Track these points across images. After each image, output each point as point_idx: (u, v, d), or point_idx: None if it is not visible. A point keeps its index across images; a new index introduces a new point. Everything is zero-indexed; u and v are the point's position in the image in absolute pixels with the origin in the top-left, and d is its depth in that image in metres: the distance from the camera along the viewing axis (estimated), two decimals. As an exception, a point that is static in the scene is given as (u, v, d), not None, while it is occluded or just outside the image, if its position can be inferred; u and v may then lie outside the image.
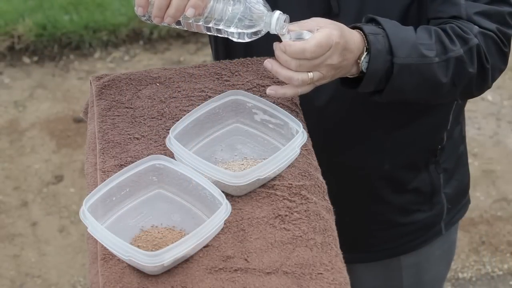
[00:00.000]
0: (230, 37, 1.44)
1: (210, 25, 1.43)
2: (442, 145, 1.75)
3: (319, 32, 1.38)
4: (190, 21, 1.44)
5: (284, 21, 1.41)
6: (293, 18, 1.44)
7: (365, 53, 1.44)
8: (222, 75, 1.59)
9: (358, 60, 1.45)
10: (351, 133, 1.67)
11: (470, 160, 3.41)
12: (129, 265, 1.28)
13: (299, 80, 1.39)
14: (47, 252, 3.15)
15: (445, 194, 1.81)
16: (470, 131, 3.56)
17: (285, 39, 1.40)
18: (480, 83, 1.54)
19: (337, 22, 1.43)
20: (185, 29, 1.47)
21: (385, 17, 1.49)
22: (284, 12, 1.42)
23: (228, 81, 1.58)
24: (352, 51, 1.42)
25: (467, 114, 3.62)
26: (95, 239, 1.29)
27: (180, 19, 1.43)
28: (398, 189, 1.76)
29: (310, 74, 1.39)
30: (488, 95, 3.74)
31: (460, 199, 1.87)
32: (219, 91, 1.54)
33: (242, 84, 1.57)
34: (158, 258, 1.24)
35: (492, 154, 3.47)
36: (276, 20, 1.40)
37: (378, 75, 1.45)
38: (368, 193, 1.75)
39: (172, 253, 1.25)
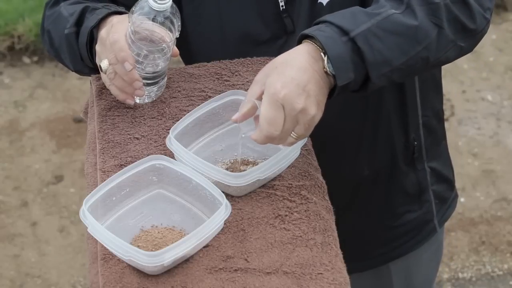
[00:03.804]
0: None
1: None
2: (420, 142, 1.73)
3: (262, 107, 1.31)
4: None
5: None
6: (250, 37, 1.45)
7: (325, 57, 1.34)
8: (222, 75, 1.59)
9: (324, 69, 1.34)
10: (322, 141, 1.57)
11: (470, 160, 3.43)
12: (129, 265, 1.28)
13: (289, 145, 1.37)
14: (47, 252, 3.15)
15: (432, 191, 1.80)
16: (470, 131, 3.56)
17: (248, 134, 1.37)
18: (464, 11, 1.41)
19: (276, 59, 1.35)
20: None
21: None
22: (243, 34, 1.49)
23: (228, 81, 1.58)
24: (307, 74, 1.31)
25: (467, 114, 3.63)
26: (95, 239, 1.29)
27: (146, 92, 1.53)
28: (386, 193, 1.74)
29: (293, 135, 1.34)
30: (488, 95, 3.74)
31: (448, 194, 1.86)
32: (219, 91, 1.53)
33: (242, 84, 1.57)
34: (158, 258, 1.24)
35: (492, 154, 3.46)
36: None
37: (346, 59, 1.33)
38: (355, 201, 1.73)
39: (172, 253, 1.25)
